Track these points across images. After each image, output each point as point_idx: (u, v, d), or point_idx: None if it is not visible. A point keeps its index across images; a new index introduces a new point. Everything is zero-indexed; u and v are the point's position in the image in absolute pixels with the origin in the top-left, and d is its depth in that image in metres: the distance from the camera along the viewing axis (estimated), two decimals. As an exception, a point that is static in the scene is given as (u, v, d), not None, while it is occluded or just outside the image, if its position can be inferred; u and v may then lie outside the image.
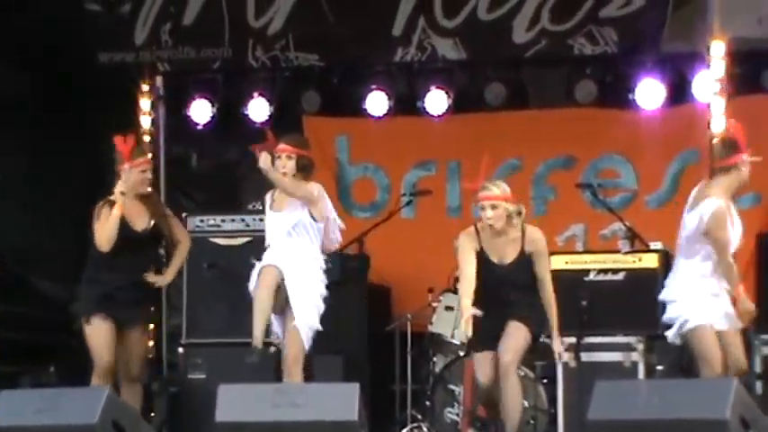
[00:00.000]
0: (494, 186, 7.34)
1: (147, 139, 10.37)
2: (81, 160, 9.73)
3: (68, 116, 10.02)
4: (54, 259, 9.72)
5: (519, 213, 7.34)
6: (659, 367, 8.41)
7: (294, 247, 7.51)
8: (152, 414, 8.82)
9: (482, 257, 7.30)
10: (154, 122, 10.43)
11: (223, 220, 9.19)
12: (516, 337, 7.29)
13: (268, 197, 7.66)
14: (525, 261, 7.31)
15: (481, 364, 7.37)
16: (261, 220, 8.92)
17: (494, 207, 7.27)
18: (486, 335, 7.28)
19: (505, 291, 7.29)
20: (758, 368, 8.07)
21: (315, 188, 7.54)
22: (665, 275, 8.35)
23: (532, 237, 7.34)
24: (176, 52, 10.45)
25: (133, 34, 10.47)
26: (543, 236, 7.39)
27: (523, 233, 7.32)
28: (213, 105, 10.39)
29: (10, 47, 9.88)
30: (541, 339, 8.42)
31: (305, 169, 7.53)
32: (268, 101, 10.31)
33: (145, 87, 10.25)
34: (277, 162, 7.48)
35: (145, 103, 10.10)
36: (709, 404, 6.21)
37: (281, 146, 7.51)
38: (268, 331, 7.57)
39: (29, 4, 9.92)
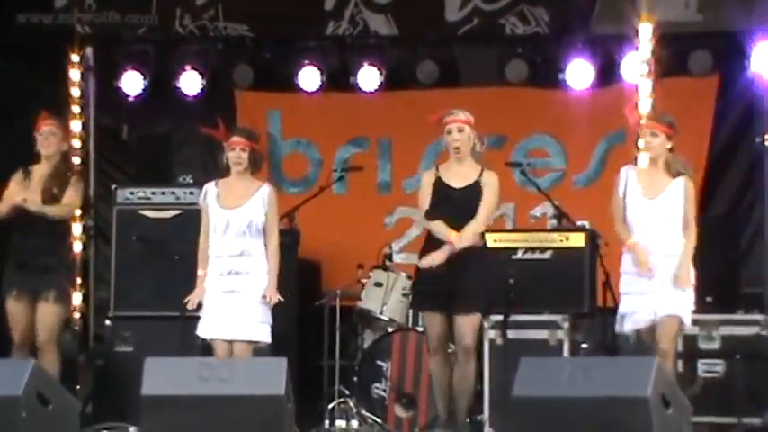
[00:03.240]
0: (460, 112, 7.50)
1: (77, 110, 10.31)
2: (6, 132, 9.59)
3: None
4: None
5: (482, 143, 7.54)
6: (584, 345, 8.50)
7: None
8: (78, 387, 8.77)
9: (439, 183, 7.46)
10: (83, 94, 10.36)
11: (153, 193, 9.16)
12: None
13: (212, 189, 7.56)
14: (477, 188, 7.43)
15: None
16: (191, 193, 8.94)
17: (460, 130, 7.43)
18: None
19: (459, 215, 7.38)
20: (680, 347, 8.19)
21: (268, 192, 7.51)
22: (592, 254, 8.53)
23: (489, 176, 7.48)
24: (99, 16, 10.36)
25: (54, -5, 10.39)
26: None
27: (481, 172, 7.47)
28: (145, 78, 10.31)
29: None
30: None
31: (256, 163, 7.53)
32: (200, 74, 10.27)
33: (75, 58, 10.16)
34: (230, 154, 7.47)
35: (75, 74, 10.00)
36: (631, 382, 6.28)
37: (236, 138, 7.50)
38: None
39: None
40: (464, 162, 7.51)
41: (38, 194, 7.93)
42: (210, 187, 7.54)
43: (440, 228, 7.39)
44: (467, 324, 7.39)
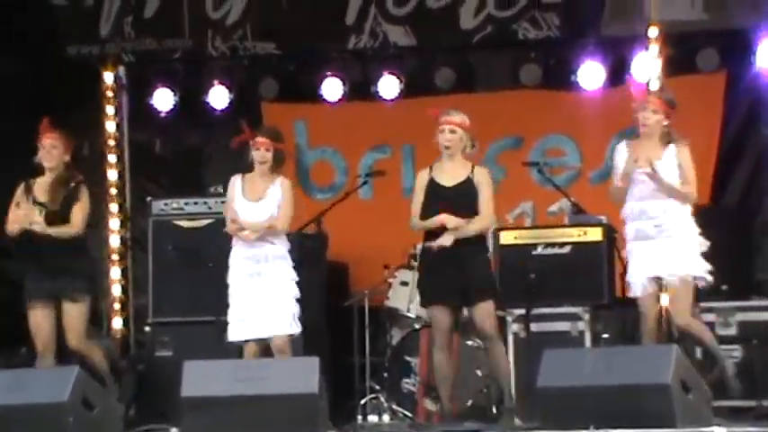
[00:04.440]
0: (456, 114, 7.75)
1: (112, 126, 10.63)
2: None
3: (37, 107, 10.22)
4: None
5: (473, 146, 7.75)
6: (605, 336, 8.61)
7: None
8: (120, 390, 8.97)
9: (432, 183, 7.71)
10: (118, 111, 10.67)
11: (186, 204, 9.34)
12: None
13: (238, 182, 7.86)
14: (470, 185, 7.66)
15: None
16: (223, 202, 9.15)
17: (452, 131, 7.69)
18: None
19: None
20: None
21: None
22: (609, 247, 8.61)
23: (480, 173, 7.71)
24: (139, 43, 10.65)
25: (98, 27, 10.65)
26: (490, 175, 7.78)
27: (472, 169, 7.70)
28: (175, 94, 10.56)
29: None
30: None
31: (278, 161, 7.83)
32: (228, 88, 10.50)
33: (108, 77, 10.49)
34: (255, 153, 7.78)
35: (109, 93, 10.33)
36: (651, 370, 6.46)
37: (260, 139, 7.80)
38: None
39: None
40: (455, 159, 7.75)
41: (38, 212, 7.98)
42: (237, 179, 7.85)
43: (431, 221, 7.67)
44: (483, 312, 7.62)
